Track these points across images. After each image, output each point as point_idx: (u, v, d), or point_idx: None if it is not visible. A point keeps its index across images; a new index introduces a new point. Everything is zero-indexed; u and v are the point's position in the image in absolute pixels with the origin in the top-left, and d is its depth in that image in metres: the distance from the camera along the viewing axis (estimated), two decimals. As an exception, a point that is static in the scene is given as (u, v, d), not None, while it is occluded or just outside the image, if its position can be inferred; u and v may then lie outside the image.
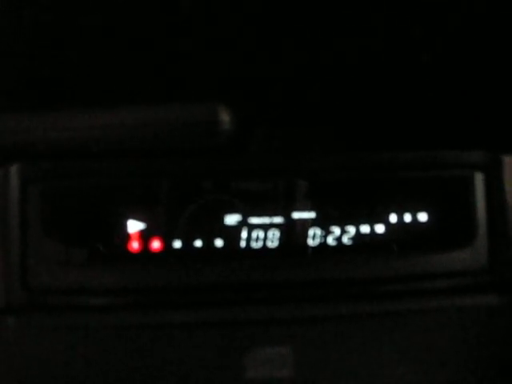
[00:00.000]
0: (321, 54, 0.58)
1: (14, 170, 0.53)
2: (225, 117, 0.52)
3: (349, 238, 0.56)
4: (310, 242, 0.55)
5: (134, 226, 0.54)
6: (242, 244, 0.55)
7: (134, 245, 0.54)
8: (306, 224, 0.55)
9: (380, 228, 0.56)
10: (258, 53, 0.58)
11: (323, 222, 0.55)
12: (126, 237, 0.54)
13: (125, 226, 0.54)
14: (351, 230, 0.56)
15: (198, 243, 0.54)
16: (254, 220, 0.55)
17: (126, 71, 0.57)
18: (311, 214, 0.55)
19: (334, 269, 0.54)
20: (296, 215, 0.55)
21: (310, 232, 0.55)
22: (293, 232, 0.55)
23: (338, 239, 0.55)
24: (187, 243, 0.54)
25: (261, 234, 0.55)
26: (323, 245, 0.55)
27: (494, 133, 0.58)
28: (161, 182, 0.54)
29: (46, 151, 0.53)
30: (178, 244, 0.54)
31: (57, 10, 0.53)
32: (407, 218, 0.56)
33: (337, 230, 0.55)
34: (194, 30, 0.57)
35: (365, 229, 0.56)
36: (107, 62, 0.56)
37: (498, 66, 0.56)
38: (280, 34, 0.58)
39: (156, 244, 0.54)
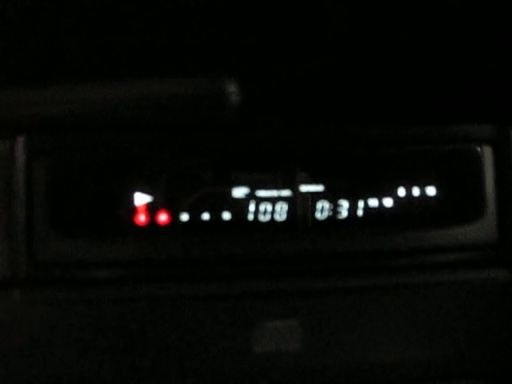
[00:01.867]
0: (325, 29, 0.57)
1: (20, 142, 0.52)
2: (232, 89, 0.52)
3: (357, 212, 0.55)
4: (318, 216, 0.55)
5: (141, 199, 0.53)
6: (250, 217, 0.54)
7: (141, 218, 0.53)
8: (314, 197, 0.55)
9: (388, 202, 0.56)
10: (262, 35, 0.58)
11: (331, 196, 0.55)
12: (133, 210, 0.53)
13: (131, 199, 0.53)
14: (359, 203, 0.55)
15: (206, 216, 0.54)
16: (261, 193, 0.54)
17: (133, 44, 0.56)
18: (319, 188, 0.55)
19: (342, 242, 0.54)
20: (304, 188, 0.55)
21: (318, 205, 0.55)
22: (301, 205, 0.55)
23: (346, 213, 0.55)
24: (194, 216, 0.54)
25: (269, 207, 0.54)
26: (331, 218, 0.55)
27: (503, 106, 0.57)
28: (168, 154, 0.54)
29: (52, 124, 0.53)
30: (185, 217, 0.54)
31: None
32: (415, 191, 0.56)
33: (345, 204, 0.55)
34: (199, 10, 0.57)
35: (373, 202, 0.55)
36: (114, 36, 0.55)
37: (507, 39, 0.56)
38: (280, 19, 0.57)
39: (163, 217, 0.54)
